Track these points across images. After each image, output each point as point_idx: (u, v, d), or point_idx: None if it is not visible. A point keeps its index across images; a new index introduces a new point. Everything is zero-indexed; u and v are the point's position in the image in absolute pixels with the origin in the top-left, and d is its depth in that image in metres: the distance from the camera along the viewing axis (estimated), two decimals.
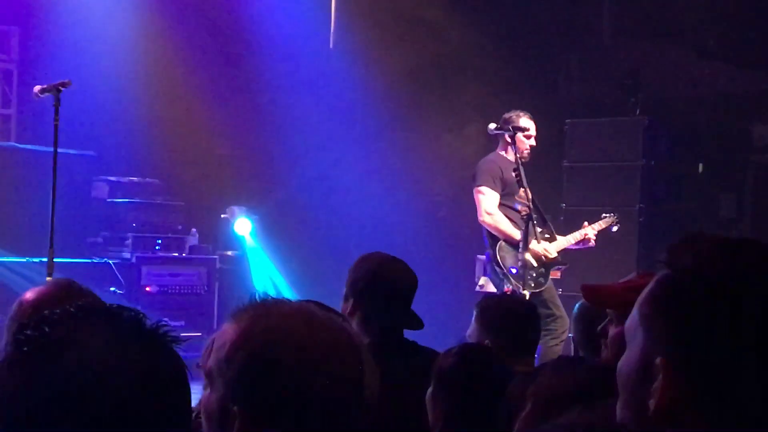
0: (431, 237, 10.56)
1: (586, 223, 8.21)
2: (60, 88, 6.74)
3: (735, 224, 10.29)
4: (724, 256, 1.56)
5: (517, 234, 7.72)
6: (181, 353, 1.54)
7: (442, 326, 6.57)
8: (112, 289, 9.56)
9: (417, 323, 4.04)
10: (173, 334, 1.52)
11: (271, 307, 1.82)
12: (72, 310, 1.49)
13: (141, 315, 1.51)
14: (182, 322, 9.65)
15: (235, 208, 11.04)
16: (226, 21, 11.16)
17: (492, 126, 7.80)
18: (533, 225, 7.69)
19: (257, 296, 1.86)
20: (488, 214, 7.88)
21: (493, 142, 8.27)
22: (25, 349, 1.43)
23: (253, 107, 11.31)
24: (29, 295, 3.19)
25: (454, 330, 5.01)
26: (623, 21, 11.05)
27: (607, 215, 8.44)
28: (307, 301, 1.94)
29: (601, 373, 2.34)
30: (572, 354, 4.50)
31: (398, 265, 4.11)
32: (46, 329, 1.45)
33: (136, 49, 10.44)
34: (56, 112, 6.70)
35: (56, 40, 10.18)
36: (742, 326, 1.49)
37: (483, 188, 7.93)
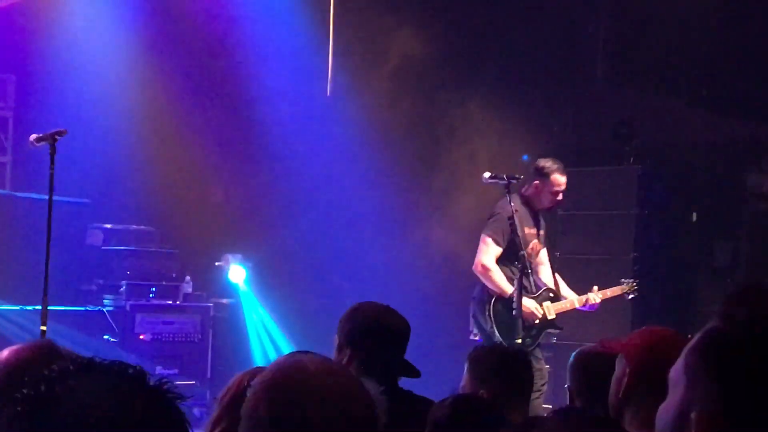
0: (426, 285, 10.54)
1: (595, 288, 8.04)
2: (56, 137, 6.76)
3: (730, 273, 10.28)
4: None
5: (509, 290, 7.65)
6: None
7: (437, 375, 6.54)
8: (105, 336, 9.52)
9: (414, 372, 4.03)
10: (176, 390, 1.51)
11: (303, 355, 2.08)
12: (70, 367, 1.47)
13: (144, 372, 1.50)
14: (176, 370, 9.60)
15: (230, 256, 11.03)
16: (222, 68, 11.21)
17: (486, 175, 7.71)
18: (527, 277, 7.65)
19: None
20: (483, 266, 7.75)
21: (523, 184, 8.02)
22: (19, 408, 1.42)
23: (248, 155, 11.34)
24: (5, 354, 2.93)
25: (449, 379, 4.99)
26: (617, 70, 11.11)
27: (627, 281, 8.33)
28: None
29: (604, 426, 2.32)
30: (568, 403, 4.47)
31: (392, 313, 4.11)
32: (42, 387, 1.43)
33: (131, 97, 10.48)
34: (52, 160, 6.72)
35: (52, 88, 10.21)
36: None
37: (488, 239, 7.77)
